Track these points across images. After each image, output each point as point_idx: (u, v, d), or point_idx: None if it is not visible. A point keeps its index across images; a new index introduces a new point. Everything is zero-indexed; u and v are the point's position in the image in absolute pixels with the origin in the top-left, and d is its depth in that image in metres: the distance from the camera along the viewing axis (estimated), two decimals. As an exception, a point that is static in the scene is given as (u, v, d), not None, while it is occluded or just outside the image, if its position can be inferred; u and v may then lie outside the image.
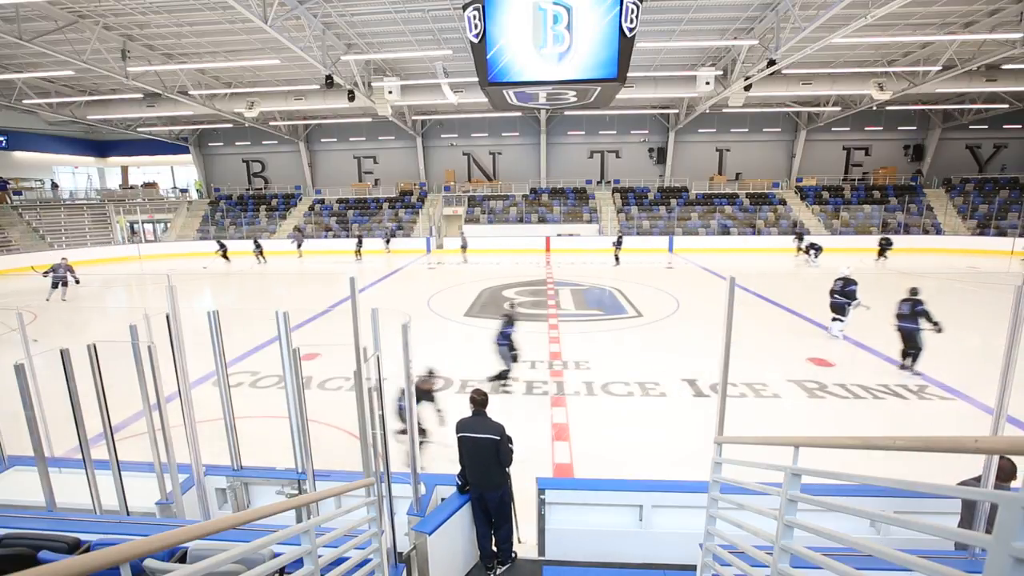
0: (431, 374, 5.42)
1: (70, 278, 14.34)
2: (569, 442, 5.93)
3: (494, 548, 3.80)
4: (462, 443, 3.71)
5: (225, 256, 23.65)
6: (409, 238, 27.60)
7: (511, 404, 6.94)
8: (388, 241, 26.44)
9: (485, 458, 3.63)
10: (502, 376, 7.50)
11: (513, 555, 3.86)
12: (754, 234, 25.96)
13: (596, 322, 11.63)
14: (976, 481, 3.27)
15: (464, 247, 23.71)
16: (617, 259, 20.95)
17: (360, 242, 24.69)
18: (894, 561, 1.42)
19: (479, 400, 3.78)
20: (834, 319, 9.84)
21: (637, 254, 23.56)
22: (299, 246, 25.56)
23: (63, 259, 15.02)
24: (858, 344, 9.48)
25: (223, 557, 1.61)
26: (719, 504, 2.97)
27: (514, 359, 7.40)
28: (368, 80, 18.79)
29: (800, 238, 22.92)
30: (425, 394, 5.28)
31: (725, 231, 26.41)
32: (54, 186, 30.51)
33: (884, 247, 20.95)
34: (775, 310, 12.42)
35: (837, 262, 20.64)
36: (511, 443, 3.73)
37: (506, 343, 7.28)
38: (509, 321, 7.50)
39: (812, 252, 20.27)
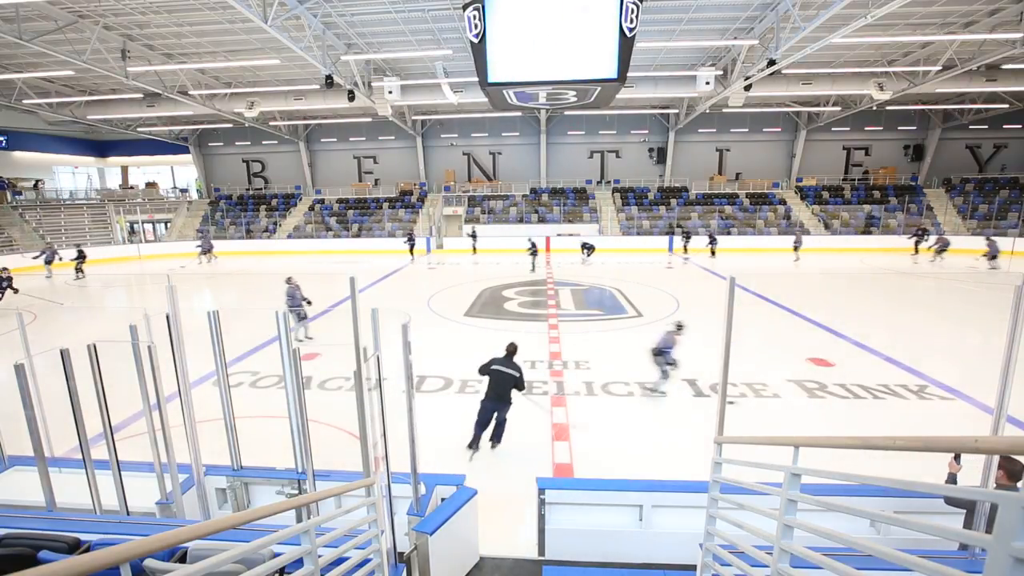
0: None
1: (306, 306, 10.23)
2: (569, 442, 5.93)
3: (490, 435, 5.70)
4: (491, 372, 5.60)
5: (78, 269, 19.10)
6: (464, 238, 27.44)
7: (511, 403, 6.93)
8: (205, 252, 23.36)
9: (505, 385, 5.57)
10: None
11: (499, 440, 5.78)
12: (754, 234, 25.96)
13: (596, 322, 11.63)
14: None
15: (474, 238, 24.89)
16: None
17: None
18: (894, 561, 1.42)
19: (511, 349, 5.81)
20: None
21: (636, 254, 23.54)
22: (412, 248, 23.62)
23: (290, 280, 10.74)
24: (858, 344, 9.47)
25: (223, 557, 1.61)
26: (719, 504, 2.97)
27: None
28: (368, 80, 18.79)
29: (798, 241, 22.42)
30: None
31: (725, 231, 26.41)
32: (10, 186, 27.30)
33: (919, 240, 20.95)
34: (775, 310, 12.42)
35: (830, 263, 20.71)
36: (522, 373, 5.67)
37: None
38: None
39: (585, 251, 20.90)
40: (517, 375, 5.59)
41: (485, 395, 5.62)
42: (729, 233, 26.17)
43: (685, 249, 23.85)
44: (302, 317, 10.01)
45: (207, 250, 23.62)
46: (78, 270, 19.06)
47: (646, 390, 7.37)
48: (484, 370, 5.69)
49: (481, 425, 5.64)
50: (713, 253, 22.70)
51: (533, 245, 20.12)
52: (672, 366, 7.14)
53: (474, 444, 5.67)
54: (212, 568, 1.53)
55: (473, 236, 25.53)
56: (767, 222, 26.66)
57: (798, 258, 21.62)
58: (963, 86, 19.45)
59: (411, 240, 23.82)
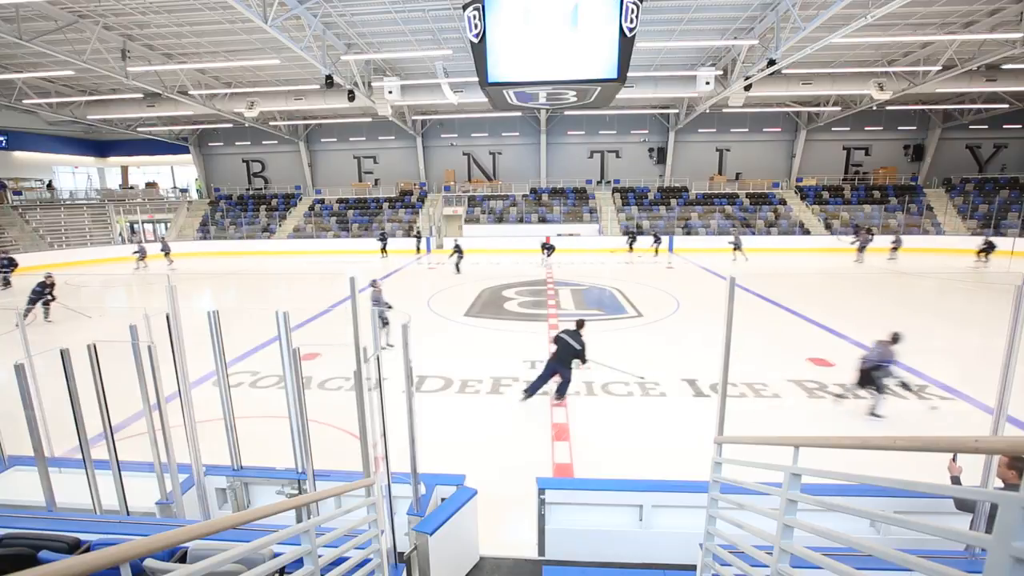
0: None
1: (387, 311, 9.50)
2: (569, 442, 5.93)
3: (554, 391, 6.80)
4: (559, 340, 6.61)
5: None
6: (409, 238, 27.60)
7: (511, 403, 6.95)
8: (143, 257, 21.62)
9: (568, 352, 6.54)
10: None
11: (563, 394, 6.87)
12: (754, 234, 25.96)
13: (596, 322, 11.62)
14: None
15: (418, 239, 25.77)
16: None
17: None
18: (894, 561, 1.42)
19: (579, 324, 6.79)
20: None
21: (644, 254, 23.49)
22: (384, 247, 24.28)
23: (374, 283, 10.14)
24: (858, 344, 9.47)
25: (223, 557, 1.61)
26: (719, 504, 2.97)
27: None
28: (368, 80, 18.80)
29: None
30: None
31: (725, 231, 26.41)
32: (4, 187, 26.67)
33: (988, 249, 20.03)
34: (775, 310, 12.42)
35: (830, 263, 20.69)
36: (584, 347, 6.59)
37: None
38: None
39: (545, 251, 21.39)
40: (579, 348, 6.49)
41: (550, 357, 6.67)
42: (729, 233, 26.17)
43: (631, 248, 24.40)
44: (385, 323, 9.34)
45: (145, 255, 21.83)
46: (5, 281, 17.37)
47: (873, 415, 6.41)
48: (556, 338, 6.68)
49: (541, 379, 6.67)
50: (657, 252, 23.55)
51: (458, 247, 19.37)
52: (888, 386, 6.23)
53: (529, 393, 6.76)
54: (212, 568, 1.53)
55: (417, 237, 26.36)
56: (767, 222, 26.67)
57: (746, 258, 21.56)
58: (963, 86, 19.45)
59: (383, 238, 24.30)
